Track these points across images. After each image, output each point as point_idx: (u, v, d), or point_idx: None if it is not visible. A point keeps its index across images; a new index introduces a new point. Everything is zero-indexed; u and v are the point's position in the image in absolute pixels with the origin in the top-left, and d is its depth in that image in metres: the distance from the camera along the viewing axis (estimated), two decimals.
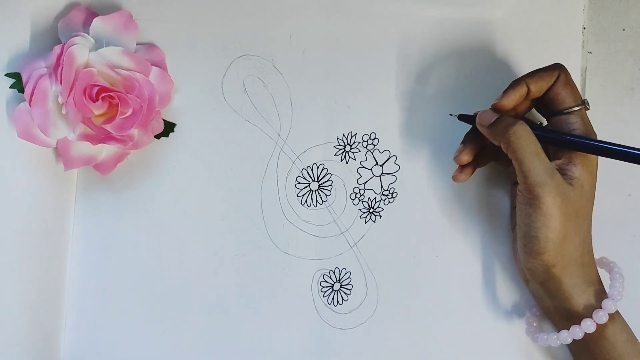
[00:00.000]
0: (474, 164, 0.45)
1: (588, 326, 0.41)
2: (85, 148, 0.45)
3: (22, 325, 0.45)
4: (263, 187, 0.48)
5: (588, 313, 0.41)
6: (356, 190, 0.48)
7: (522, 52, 0.48)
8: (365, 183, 0.48)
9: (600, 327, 0.41)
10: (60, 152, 0.45)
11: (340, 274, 0.47)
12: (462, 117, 0.45)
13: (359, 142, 0.48)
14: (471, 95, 0.48)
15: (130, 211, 0.48)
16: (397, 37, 0.48)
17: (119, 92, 0.44)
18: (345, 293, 0.47)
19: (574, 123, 0.42)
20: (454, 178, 0.45)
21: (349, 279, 0.47)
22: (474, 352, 0.47)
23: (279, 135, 0.48)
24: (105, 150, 0.46)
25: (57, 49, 0.43)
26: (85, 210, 0.48)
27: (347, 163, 0.48)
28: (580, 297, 0.42)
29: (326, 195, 0.48)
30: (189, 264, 0.48)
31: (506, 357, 0.46)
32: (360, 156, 0.48)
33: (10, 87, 0.44)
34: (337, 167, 0.48)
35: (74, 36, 0.43)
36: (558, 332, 0.43)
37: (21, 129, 0.43)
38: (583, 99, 0.43)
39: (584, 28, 0.48)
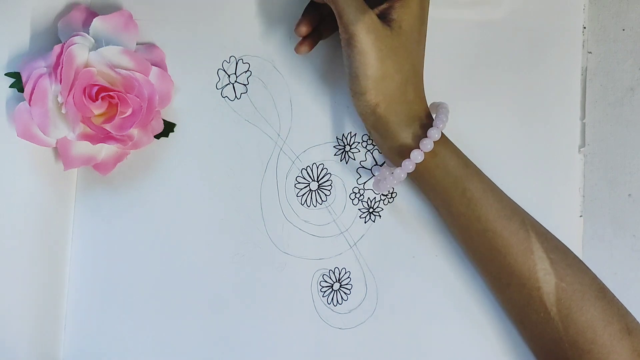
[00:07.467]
0: (316, 36, 0.46)
1: (416, 156, 0.42)
2: (85, 148, 0.45)
3: (22, 325, 0.45)
4: (263, 187, 0.48)
5: (415, 144, 0.42)
6: (356, 190, 0.48)
7: (522, 52, 0.48)
8: (364, 183, 0.48)
9: (430, 156, 0.42)
10: (60, 151, 0.45)
11: (339, 274, 0.47)
12: None
13: (359, 142, 0.48)
14: (472, 95, 0.48)
15: (130, 211, 0.48)
16: None
17: (119, 91, 0.44)
18: (345, 293, 0.47)
19: None
20: (296, 49, 0.46)
21: (349, 279, 0.47)
22: (473, 352, 0.46)
23: (279, 135, 0.48)
24: (105, 150, 0.46)
25: (57, 48, 0.43)
26: (85, 210, 0.48)
27: (346, 163, 0.48)
28: (406, 132, 0.43)
29: (326, 195, 0.48)
30: (189, 263, 0.48)
31: (505, 357, 0.46)
32: (359, 156, 0.48)
33: (10, 87, 0.44)
34: (336, 167, 0.48)
35: (73, 36, 0.43)
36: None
37: (21, 129, 0.43)
38: None
39: (584, 28, 0.48)
